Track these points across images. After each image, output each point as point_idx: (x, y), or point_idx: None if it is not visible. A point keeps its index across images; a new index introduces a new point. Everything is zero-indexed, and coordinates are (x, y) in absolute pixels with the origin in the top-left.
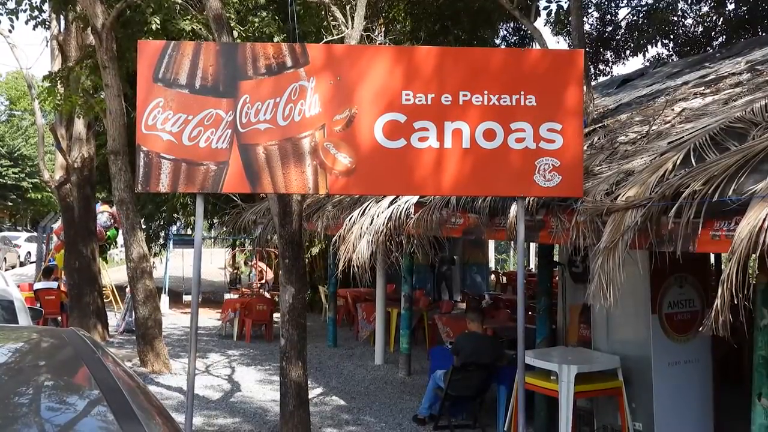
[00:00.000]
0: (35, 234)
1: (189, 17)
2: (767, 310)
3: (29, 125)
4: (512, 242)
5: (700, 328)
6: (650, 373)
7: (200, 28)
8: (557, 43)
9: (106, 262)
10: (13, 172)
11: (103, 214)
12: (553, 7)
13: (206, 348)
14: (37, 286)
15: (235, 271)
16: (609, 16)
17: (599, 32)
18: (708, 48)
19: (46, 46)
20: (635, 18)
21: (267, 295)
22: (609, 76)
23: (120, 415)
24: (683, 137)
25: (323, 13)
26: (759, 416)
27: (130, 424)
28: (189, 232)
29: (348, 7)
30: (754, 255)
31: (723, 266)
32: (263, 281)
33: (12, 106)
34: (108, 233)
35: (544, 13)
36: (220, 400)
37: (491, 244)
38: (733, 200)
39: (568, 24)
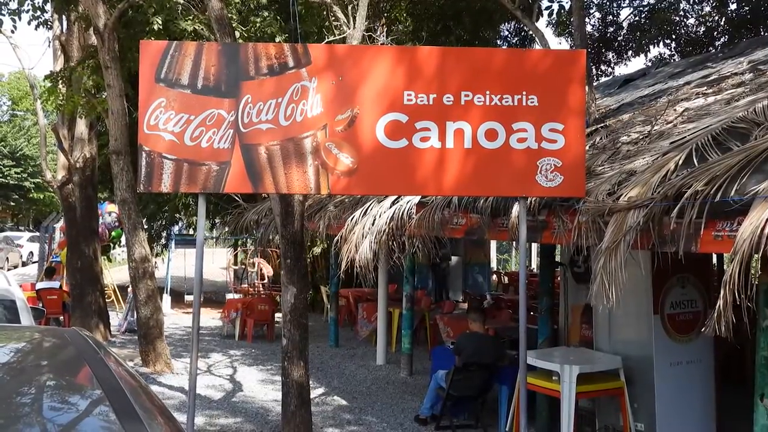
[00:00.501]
0: (37, 234)
1: (191, 17)
2: None
3: (31, 125)
4: (514, 242)
5: (703, 329)
6: (652, 374)
7: (202, 29)
8: (559, 44)
9: (110, 261)
10: (16, 172)
11: (111, 214)
12: (555, 6)
13: (208, 348)
14: (40, 285)
15: (243, 267)
16: (611, 17)
17: (601, 33)
18: (710, 48)
19: (49, 46)
20: (637, 18)
21: (262, 290)
22: (611, 77)
23: (122, 415)
24: (685, 137)
25: (325, 13)
26: (761, 417)
27: (132, 424)
28: (191, 232)
29: (350, 7)
30: (756, 255)
31: (725, 266)
32: (264, 281)
33: (14, 106)
34: (112, 233)
35: (545, 13)
36: (222, 400)
37: (493, 244)
38: (736, 200)
39: (570, 25)
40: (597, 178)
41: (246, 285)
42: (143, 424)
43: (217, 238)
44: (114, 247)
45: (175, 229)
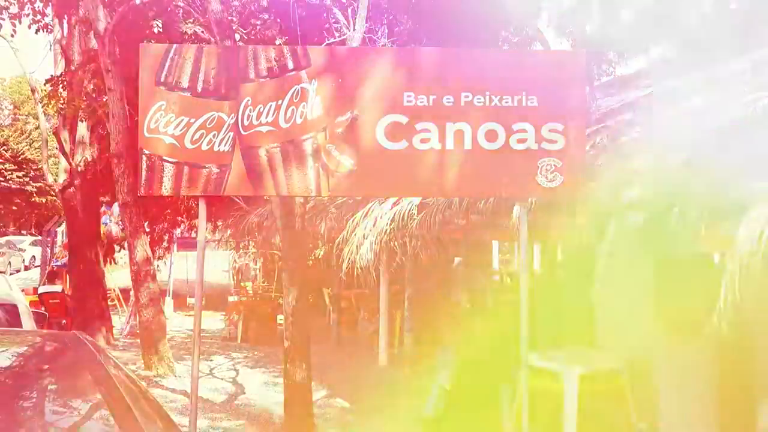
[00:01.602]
0: (40, 238)
1: (191, 20)
2: None
3: (33, 129)
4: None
5: (705, 327)
6: (655, 372)
7: (202, 31)
8: (560, 43)
9: (115, 263)
10: (18, 176)
11: None
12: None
13: (210, 351)
14: (42, 289)
15: (247, 264)
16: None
17: (602, 32)
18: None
19: (49, 50)
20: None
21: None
22: (611, 76)
23: (121, 418)
24: (686, 136)
25: (325, 15)
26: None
27: (131, 428)
28: (193, 234)
29: (349, 9)
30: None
31: (727, 264)
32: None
33: (16, 110)
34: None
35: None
36: (225, 402)
37: (495, 244)
38: (737, 199)
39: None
40: (598, 179)
41: (250, 282)
42: (142, 428)
43: (218, 241)
44: (120, 250)
45: (177, 231)
